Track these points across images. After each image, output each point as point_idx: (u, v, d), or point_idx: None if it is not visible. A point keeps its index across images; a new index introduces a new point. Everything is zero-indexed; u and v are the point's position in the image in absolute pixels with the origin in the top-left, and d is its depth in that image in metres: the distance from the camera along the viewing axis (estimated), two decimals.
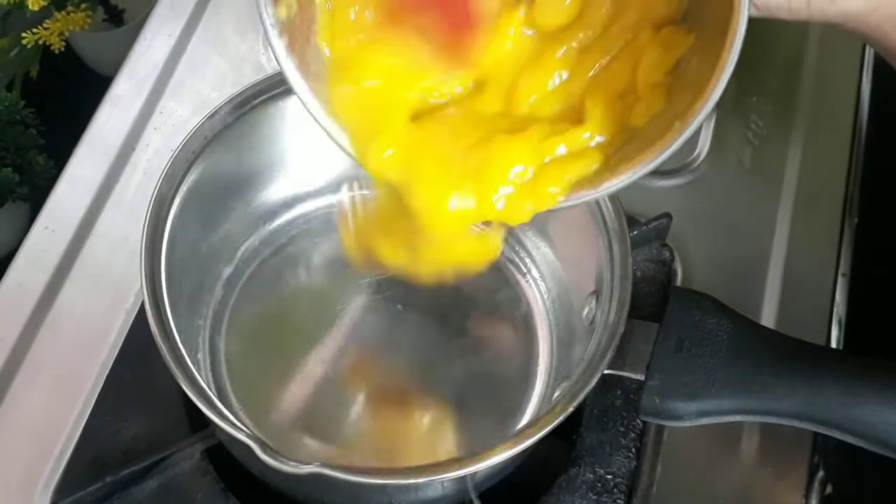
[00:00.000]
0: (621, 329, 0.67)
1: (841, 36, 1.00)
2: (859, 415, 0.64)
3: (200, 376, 0.66)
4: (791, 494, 0.79)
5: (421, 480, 0.65)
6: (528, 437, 0.63)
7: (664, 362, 0.68)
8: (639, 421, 0.80)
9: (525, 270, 0.84)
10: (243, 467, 0.75)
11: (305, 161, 0.83)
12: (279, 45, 0.60)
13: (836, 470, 0.80)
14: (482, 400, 0.79)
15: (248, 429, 0.63)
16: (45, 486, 0.77)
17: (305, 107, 0.62)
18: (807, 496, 0.79)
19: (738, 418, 0.68)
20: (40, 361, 0.82)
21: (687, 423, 0.67)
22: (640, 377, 0.68)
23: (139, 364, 0.80)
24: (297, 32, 0.61)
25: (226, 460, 0.76)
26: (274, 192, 0.84)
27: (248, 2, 1.02)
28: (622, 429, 0.80)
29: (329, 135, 0.63)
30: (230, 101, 0.74)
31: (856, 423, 0.64)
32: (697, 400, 0.66)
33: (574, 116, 0.61)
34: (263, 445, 0.61)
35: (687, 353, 0.67)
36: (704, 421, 0.67)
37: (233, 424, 0.62)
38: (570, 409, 0.64)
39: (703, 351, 0.67)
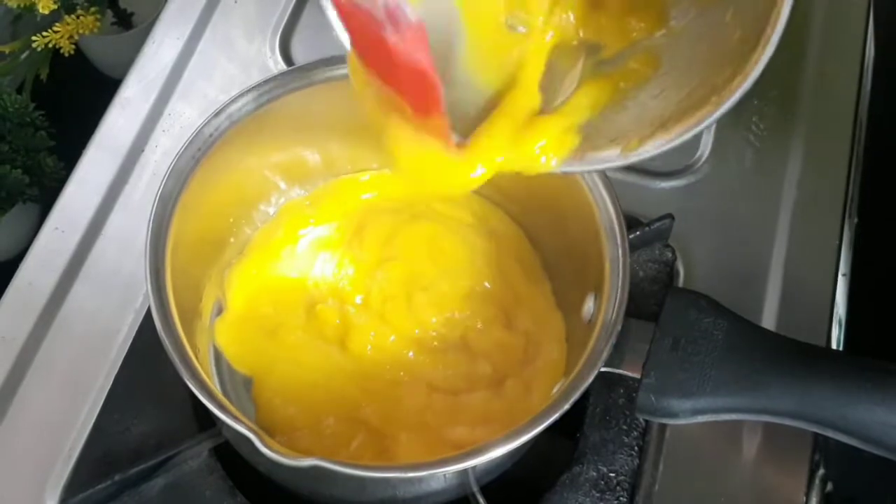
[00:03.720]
0: (619, 328, 0.68)
1: (841, 38, 1.01)
2: (853, 414, 0.64)
3: (205, 371, 0.66)
4: (792, 492, 0.79)
5: (419, 474, 0.66)
6: (526, 433, 0.63)
7: (660, 361, 0.68)
8: (641, 420, 0.81)
9: None
10: (250, 465, 0.76)
11: (309, 160, 0.84)
12: None
13: (836, 468, 0.80)
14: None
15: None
16: (55, 483, 0.78)
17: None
18: (808, 494, 0.79)
19: (733, 416, 0.68)
20: (50, 360, 0.83)
21: (682, 421, 0.68)
22: (637, 375, 0.68)
23: (148, 363, 0.81)
24: None
25: (233, 458, 0.77)
26: (277, 190, 0.85)
27: (256, 5, 1.03)
28: (625, 427, 0.81)
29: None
30: (235, 100, 0.75)
31: (849, 423, 0.64)
32: (692, 398, 0.67)
33: None
34: (264, 438, 0.61)
35: (683, 351, 0.68)
36: (700, 419, 0.68)
37: (235, 417, 0.63)
38: (567, 406, 0.64)
39: (698, 350, 0.68)
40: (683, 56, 0.62)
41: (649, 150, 0.59)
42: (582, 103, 0.64)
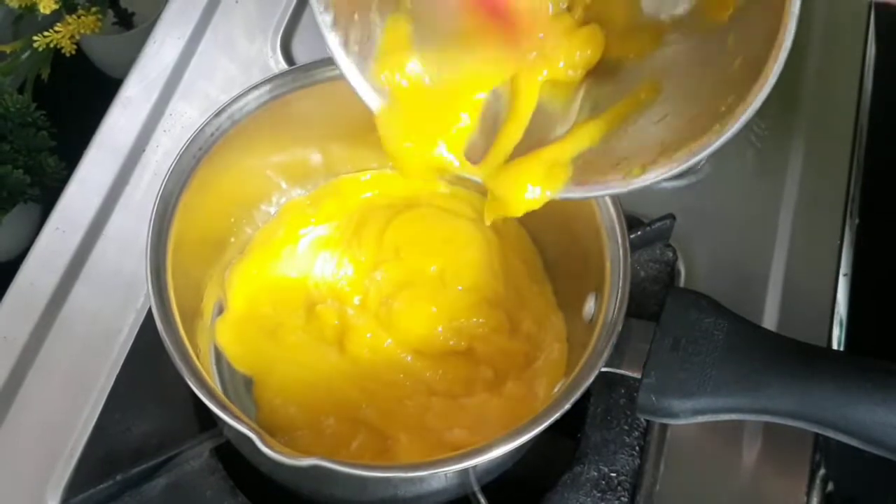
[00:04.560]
0: (619, 328, 0.68)
1: (842, 38, 1.01)
2: (853, 414, 0.64)
3: (206, 371, 0.66)
4: (793, 492, 0.79)
5: (420, 474, 0.66)
6: (527, 432, 0.64)
7: (661, 361, 0.68)
8: (642, 419, 0.81)
9: None
10: (252, 465, 0.76)
11: (310, 159, 0.84)
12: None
13: (837, 468, 0.80)
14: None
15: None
16: (57, 483, 0.78)
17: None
18: (808, 494, 0.79)
19: (733, 416, 0.68)
20: (51, 360, 0.83)
21: (682, 421, 0.68)
22: (638, 375, 0.68)
23: (149, 363, 0.80)
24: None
25: (234, 458, 0.77)
26: (278, 190, 0.85)
27: (257, 5, 1.03)
28: (626, 427, 0.81)
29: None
30: (236, 100, 0.75)
31: (850, 423, 0.65)
32: (692, 398, 0.67)
33: None
34: (264, 438, 0.61)
35: (683, 351, 0.68)
36: (700, 419, 0.68)
37: (236, 417, 0.63)
38: (568, 406, 0.64)
39: (699, 350, 0.68)
40: (685, 81, 0.62)
41: (652, 177, 0.60)
42: (582, 134, 0.64)
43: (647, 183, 0.60)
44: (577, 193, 0.64)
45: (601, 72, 0.67)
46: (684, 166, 0.58)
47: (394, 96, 0.66)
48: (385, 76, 0.66)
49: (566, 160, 0.64)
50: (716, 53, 0.59)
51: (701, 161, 0.58)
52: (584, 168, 0.64)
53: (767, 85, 0.53)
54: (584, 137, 0.64)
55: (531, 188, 0.64)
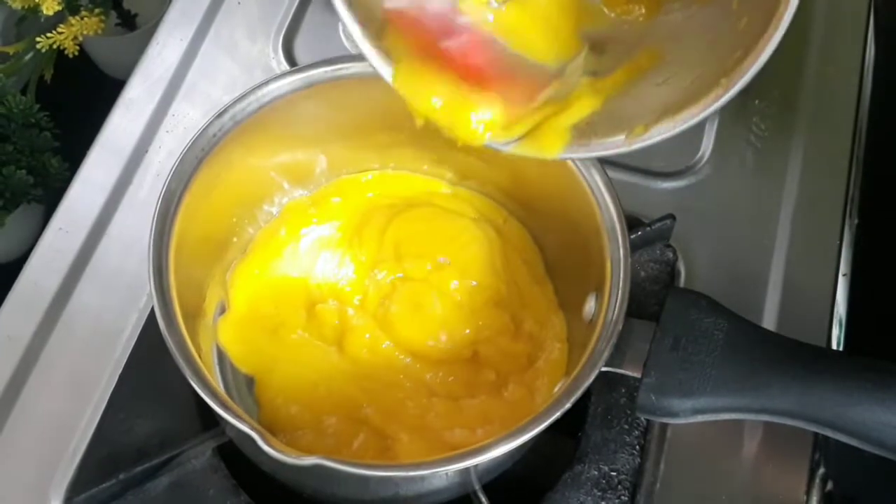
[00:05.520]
0: (620, 327, 0.68)
1: (842, 38, 1.01)
2: (852, 414, 0.64)
3: (208, 371, 0.66)
4: (793, 491, 0.80)
5: (421, 473, 0.66)
6: (527, 431, 0.64)
7: (661, 360, 0.68)
8: (643, 419, 0.81)
9: None
10: (254, 463, 0.76)
11: (312, 160, 0.84)
12: None
13: (837, 466, 0.80)
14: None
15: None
16: (60, 482, 0.78)
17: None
18: (808, 492, 0.79)
19: (733, 416, 0.68)
20: (54, 360, 0.83)
21: (682, 421, 0.68)
22: (638, 375, 0.68)
23: (152, 362, 0.80)
24: None
25: (237, 457, 0.77)
26: (280, 190, 0.85)
27: (259, 6, 1.03)
28: (626, 426, 0.81)
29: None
30: (238, 100, 0.75)
31: (849, 423, 0.65)
32: (692, 397, 0.67)
33: None
34: (266, 437, 0.62)
35: (683, 351, 0.68)
36: (700, 418, 0.68)
37: (238, 417, 0.63)
38: (568, 405, 0.64)
39: (699, 349, 0.68)
40: (688, 45, 0.62)
41: (654, 135, 0.60)
42: (582, 104, 0.64)
43: (650, 142, 0.60)
44: (579, 153, 0.64)
45: (600, 41, 0.67)
46: (688, 124, 0.58)
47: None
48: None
49: (566, 127, 0.63)
50: (720, 16, 0.59)
51: (704, 118, 0.58)
52: (585, 130, 0.63)
53: (778, 33, 0.53)
54: (585, 106, 0.63)
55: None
